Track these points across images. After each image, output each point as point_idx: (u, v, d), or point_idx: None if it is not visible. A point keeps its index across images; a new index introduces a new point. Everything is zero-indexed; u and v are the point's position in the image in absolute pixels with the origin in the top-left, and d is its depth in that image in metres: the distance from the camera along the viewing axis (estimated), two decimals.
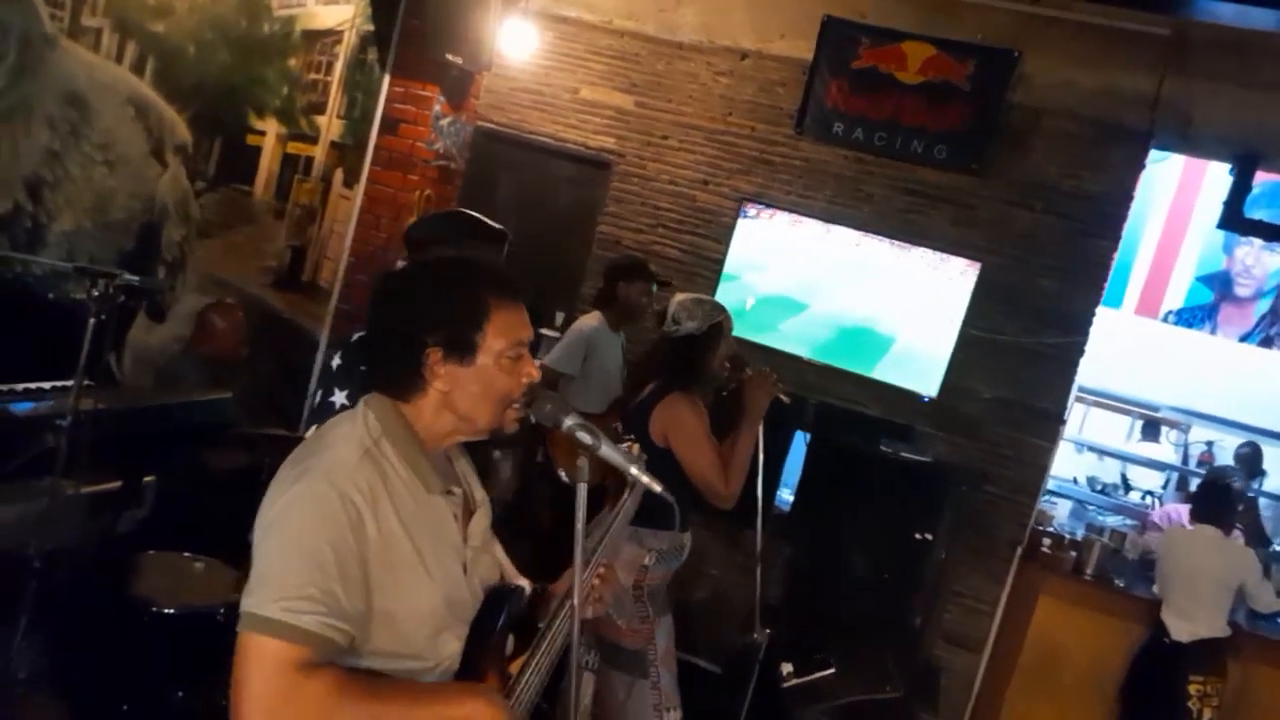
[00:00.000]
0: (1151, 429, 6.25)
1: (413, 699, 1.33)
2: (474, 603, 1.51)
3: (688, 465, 2.75)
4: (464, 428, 1.46)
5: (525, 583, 1.66)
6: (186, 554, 3.23)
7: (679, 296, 2.97)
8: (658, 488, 1.53)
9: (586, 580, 1.69)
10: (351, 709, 1.25)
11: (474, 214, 2.35)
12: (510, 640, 1.61)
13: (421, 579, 1.38)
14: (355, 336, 2.19)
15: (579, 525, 1.44)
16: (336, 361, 2.15)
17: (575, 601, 1.43)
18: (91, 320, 2.62)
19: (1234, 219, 4.33)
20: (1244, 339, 6.71)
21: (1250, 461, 5.59)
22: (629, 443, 1.85)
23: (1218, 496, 4.11)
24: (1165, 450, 6.26)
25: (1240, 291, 6.72)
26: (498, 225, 2.32)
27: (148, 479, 3.15)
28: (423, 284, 1.44)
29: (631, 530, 2.82)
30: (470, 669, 1.48)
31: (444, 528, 1.46)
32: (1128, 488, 6.12)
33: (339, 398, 2.09)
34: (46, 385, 2.90)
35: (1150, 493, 6.08)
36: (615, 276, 4.07)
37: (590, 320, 4.05)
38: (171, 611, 2.84)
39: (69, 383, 2.64)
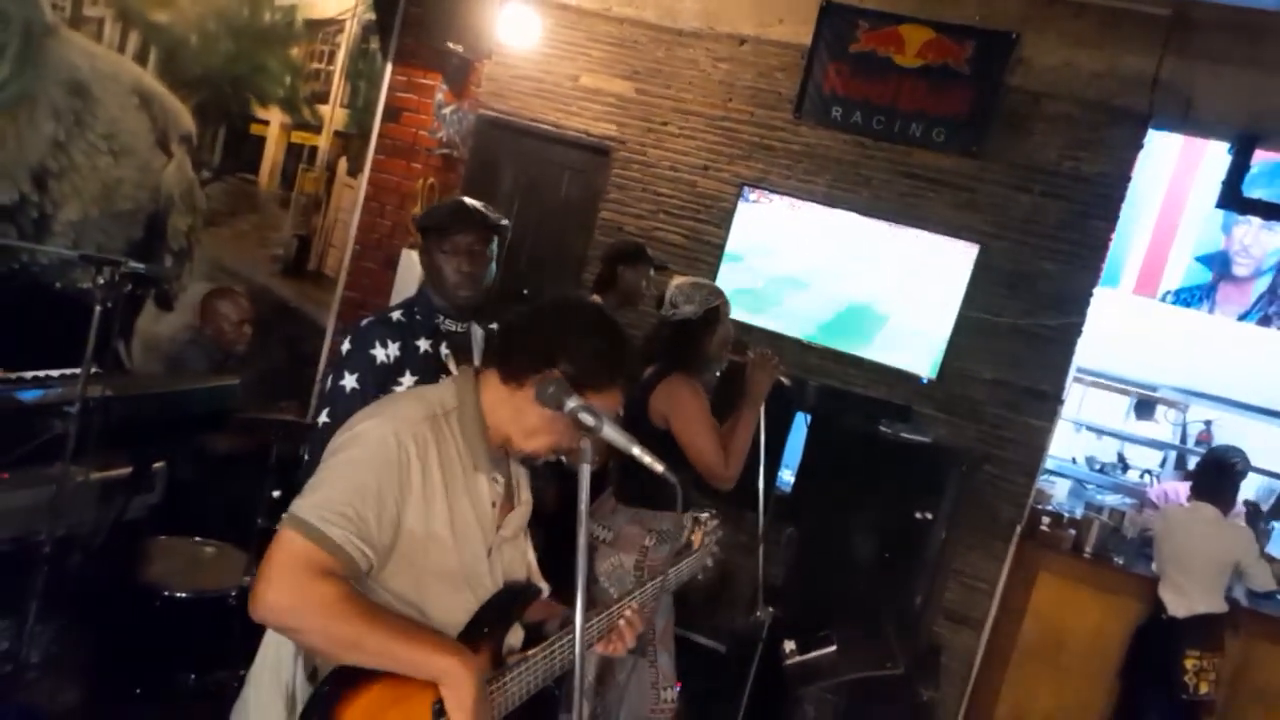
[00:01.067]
0: (1146, 408, 6.26)
1: (398, 635, 1.41)
2: (491, 585, 1.58)
3: (687, 447, 2.77)
4: (514, 438, 1.58)
5: (545, 586, 1.72)
6: (196, 539, 3.27)
7: (676, 280, 2.98)
8: (660, 468, 1.55)
9: (615, 612, 1.76)
10: (345, 621, 1.35)
11: (476, 204, 2.36)
12: (520, 635, 1.66)
13: (447, 537, 1.51)
14: (364, 321, 2.21)
15: (582, 507, 1.47)
16: (346, 346, 2.17)
17: (580, 586, 1.45)
18: (98, 308, 2.63)
19: (1233, 198, 4.34)
20: (1242, 318, 6.73)
21: None
22: (709, 513, 1.99)
23: (1217, 475, 4.13)
24: (1161, 429, 6.29)
25: (1238, 271, 6.73)
26: (497, 217, 2.34)
27: (157, 465, 3.17)
28: (599, 330, 1.60)
29: (632, 512, 2.85)
30: (466, 642, 1.52)
31: (480, 506, 1.57)
32: (1125, 467, 6.15)
33: (349, 381, 2.11)
34: (55, 373, 2.91)
35: (1149, 471, 6.11)
36: (616, 261, 4.06)
37: None
38: (182, 596, 2.89)
39: (77, 370, 2.66)
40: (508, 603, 1.60)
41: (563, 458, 3.86)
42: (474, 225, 2.26)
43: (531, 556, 1.75)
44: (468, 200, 2.36)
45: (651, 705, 2.87)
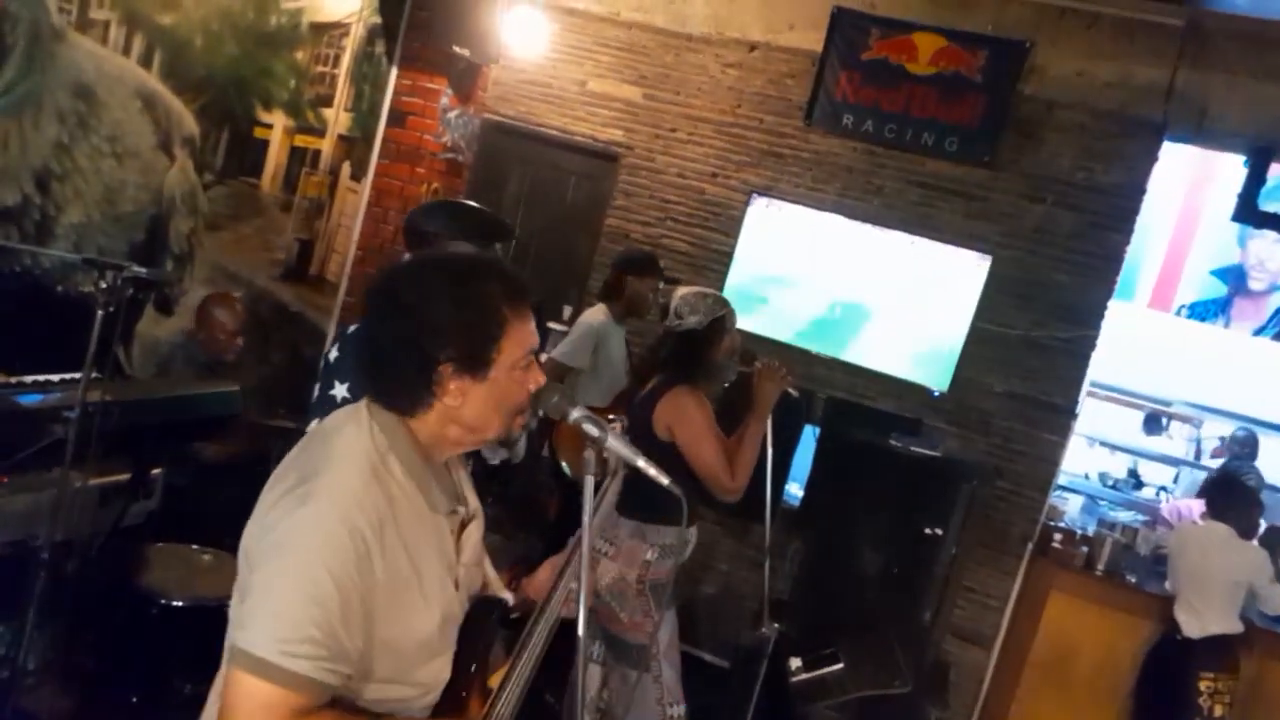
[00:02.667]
0: (1155, 423, 6.20)
1: None
2: (461, 618, 1.47)
3: (692, 459, 2.73)
4: (470, 438, 1.40)
5: (509, 595, 1.63)
6: (195, 546, 3.24)
7: (681, 290, 2.96)
8: (665, 480, 1.51)
9: (577, 576, 1.66)
10: None
11: (480, 208, 2.31)
12: (497, 648, 1.60)
13: (420, 606, 1.34)
14: (351, 328, 2.16)
15: (586, 519, 1.43)
16: (334, 354, 2.11)
17: (583, 594, 1.41)
18: (99, 312, 2.61)
19: (1248, 211, 4.28)
20: (1258, 333, 6.67)
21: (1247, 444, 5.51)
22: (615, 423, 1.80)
23: (1230, 492, 4.07)
24: (1175, 444, 6.22)
25: (1254, 285, 6.68)
26: (505, 221, 2.29)
27: (156, 471, 3.15)
28: (437, 293, 1.32)
29: (635, 525, 2.81)
30: (454, 688, 1.45)
31: (444, 549, 1.41)
32: (1138, 484, 6.07)
33: (340, 390, 2.05)
34: (55, 377, 2.89)
35: (1164, 488, 6.04)
36: (625, 270, 4.02)
37: (597, 314, 4.02)
38: (180, 604, 2.85)
39: (77, 375, 2.63)
40: (478, 629, 1.50)
41: (565, 468, 3.83)
42: (484, 234, 2.19)
43: (489, 568, 1.62)
44: (470, 203, 2.31)
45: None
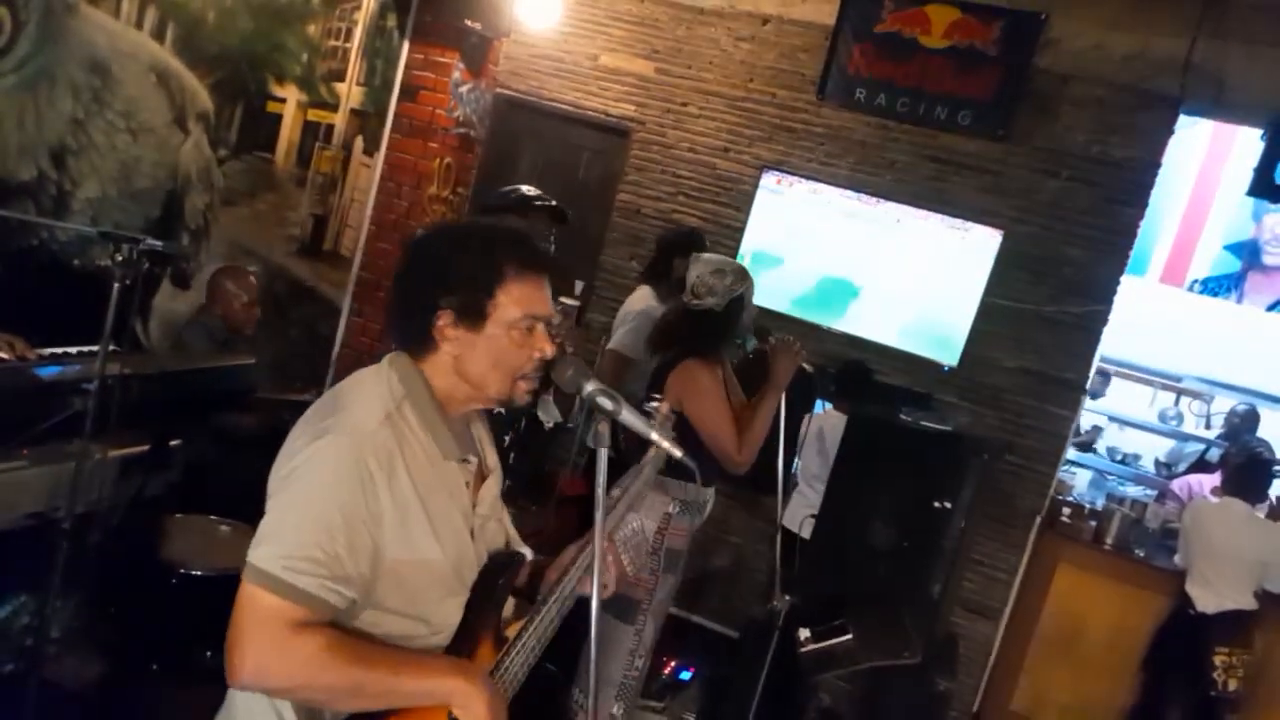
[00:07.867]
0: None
1: (397, 669, 1.33)
2: (477, 567, 1.52)
3: (699, 431, 2.76)
4: (476, 395, 1.47)
5: (527, 551, 1.67)
6: (213, 517, 3.28)
7: (700, 265, 2.96)
8: (678, 452, 1.54)
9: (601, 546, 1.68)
10: (337, 671, 1.26)
11: (539, 194, 2.38)
12: (511, 605, 1.63)
13: (431, 544, 1.40)
14: None
15: (599, 490, 1.45)
16: None
17: (596, 565, 1.43)
18: (116, 285, 2.62)
19: (1264, 185, 4.22)
20: (1271, 308, 6.62)
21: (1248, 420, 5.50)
22: (659, 402, 1.84)
23: (1245, 469, 4.06)
24: (1186, 420, 6.19)
25: (1268, 260, 6.62)
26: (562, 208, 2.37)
27: (174, 443, 3.18)
28: (443, 246, 1.46)
29: (657, 479, 2.84)
30: (467, 632, 1.48)
31: (457, 495, 1.47)
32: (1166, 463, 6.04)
33: None
34: (73, 350, 2.92)
35: (1169, 466, 6.04)
36: (672, 253, 3.91)
37: (649, 299, 3.86)
38: (199, 573, 2.89)
39: (95, 348, 2.66)
40: (495, 579, 1.54)
41: (589, 442, 3.84)
42: (545, 214, 2.28)
43: (508, 522, 1.67)
44: (532, 190, 2.39)
45: (625, 670, 2.90)
